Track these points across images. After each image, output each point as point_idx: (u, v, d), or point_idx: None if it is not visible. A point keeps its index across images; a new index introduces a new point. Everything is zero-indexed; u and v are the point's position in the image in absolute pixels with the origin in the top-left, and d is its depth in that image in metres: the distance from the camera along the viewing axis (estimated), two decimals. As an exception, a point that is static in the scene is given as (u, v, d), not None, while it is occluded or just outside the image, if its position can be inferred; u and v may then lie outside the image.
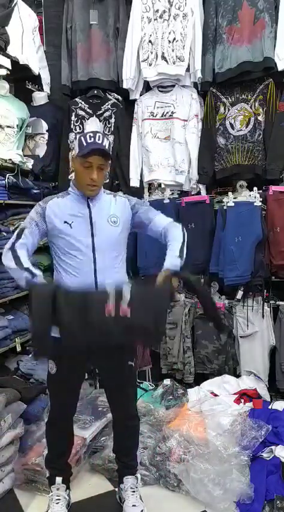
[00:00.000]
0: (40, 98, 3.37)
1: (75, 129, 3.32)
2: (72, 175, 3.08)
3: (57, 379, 1.92)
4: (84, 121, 3.30)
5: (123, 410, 2.04)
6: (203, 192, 3.13)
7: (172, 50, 3.00)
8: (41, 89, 3.39)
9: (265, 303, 2.97)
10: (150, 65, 3.07)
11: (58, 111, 3.42)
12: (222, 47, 2.92)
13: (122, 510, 2.04)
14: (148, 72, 3.08)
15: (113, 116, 3.26)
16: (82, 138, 1.82)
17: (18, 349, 2.77)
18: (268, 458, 2.20)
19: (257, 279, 2.94)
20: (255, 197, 2.91)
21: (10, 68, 2.78)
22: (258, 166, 2.97)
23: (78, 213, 1.87)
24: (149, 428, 2.53)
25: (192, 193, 3.18)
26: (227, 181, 3.11)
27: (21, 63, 2.91)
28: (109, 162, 1.97)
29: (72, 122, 3.32)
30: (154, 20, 3.04)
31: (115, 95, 3.28)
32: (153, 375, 3.26)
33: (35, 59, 3.14)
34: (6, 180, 2.71)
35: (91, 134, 1.81)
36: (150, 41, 3.06)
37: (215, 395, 2.79)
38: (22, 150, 3.08)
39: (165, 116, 3.14)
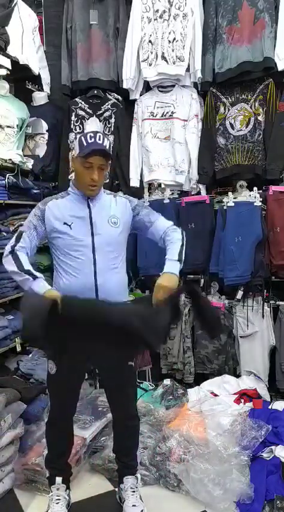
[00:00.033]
0: (40, 98, 3.37)
1: (75, 129, 3.32)
2: (72, 175, 3.08)
3: (57, 379, 1.92)
4: (84, 121, 3.30)
5: (123, 410, 2.04)
6: (203, 192, 3.13)
7: (172, 50, 3.00)
8: (41, 89, 3.39)
9: (265, 303, 2.97)
10: (150, 65, 3.07)
11: (58, 111, 3.42)
12: (222, 47, 2.92)
13: (122, 510, 2.04)
14: (148, 72, 3.08)
15: (113, 116, 3.26)
16: (82, 138, 1.82)
17: (18, 349, 2.77)
18: (268, 458, 2.20)
19: (257, 279, 2.94)
20: (255, 197, 2.91)
21: (10, 68, 2.78)
22: (258, 166, 2.97)
23: (78, 213, 1.87)
24: (149, 428, 2.53)
25: (192, 193, 3.18)
26: (227, 181, 3.11)
27: (21, 63, 2.91)
28: (110, 162, 1.98)
29: (72, 122, 3.33)
30: (154, 20, 3.04)
31: (115, 95, 3.28)
32: (153, 375, 3.26)
33: (35, 59, 3.14)
34: (6, 180, 2.71)
35: (92, 134, 1.81)
36: (150, 41, 3.06)
37: (215, 395, 2.79)
38: (22, 150, 3.09)
39: (165, 116, 3.15)
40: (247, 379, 2.92)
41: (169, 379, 3.05)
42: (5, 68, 2.77)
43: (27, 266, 1.76)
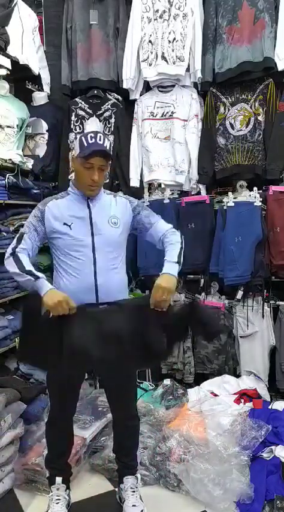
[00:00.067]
0: (40, 98, 3.37)
1: (75, 129, 3.32)
2: (72, 175, 3.08)
3: (57, 379, 1.92)
4: (84, 121, 3.30)
5: (123, 410, 2.04)
6: (203, 192, 3.13)
7: (172, 50, 3.00)
8: (41, 89, 3.39)
9: (265, 303, 2.97)
10: (150, 65, 3.07)
11: (58, 111, 3.42)
12: (222, 47, 2.92)
13: (122, 510, 2.04)
14: (148, 72, 3.08)
15: (113, 116, 3.26)
16: (83, 138, 1.81)
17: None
18: (268, 458, 2.20)
19: (257, 279, 2.94)
20: (255, 197, 2.91)
21: (10, 68, 2.78)
22: (258, 166, 2.97)
23: (78, 213, 1.87)
24: (149, 428, 2.53)
25: (192, 193, 3.18)
26: (227, 181, 3.11)
27: (21, 63, 2.91)
28: (110, 162, 1.98)
29: (72, 122, 3.33)
30: (154, 20, 3.04)
31: (115, 95, 3.28)
32: (153, 375, 3.26)
33: (35, 59, 3.14)
34: (6, 180, 2.71)
35: (92, 135, 1.81)
36: (150, 41, 3.06)
37: (215, 395, 2.79)
38: (22, 150, 3.09)
39: (165, 115, 3.15)
40: (247, 379, 2.92)
41: (169, 379, 3.05)
42: (5, 68, 2.77)
43: (29, 267, 1.76)
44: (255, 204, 2.90)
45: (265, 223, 2.91)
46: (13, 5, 2.84)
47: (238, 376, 3.01)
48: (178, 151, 3.11)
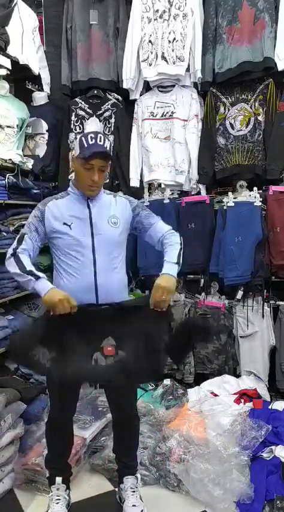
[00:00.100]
0: (40, 98, 3.37)
1: (75, 129, 3.32)
2: (72, 175, 3.08)
3: (56, 380, 1.91)
4: (84, 121, 3.30)
5: (123, 410, 2.04)
6: (203, 192, 3.13)
7: (172, 50, 3.00)
8: (41, 89, 3.39)
9: (265, 303, 2.97)
10: (150, 65, 3.07)
11: (58, 111, 3.42)
12: (222, 47, 2.92)
13: (122, 510, 2.04)
14: (148, 72, 3.08)
15: (113, 116, 3.26)
16: (83, 138, 1.81)
17: (18, 349, 2.77)
18: (268, 458, 2.20)
19: (257, 279, 2.94)
20: (255, 197, 2.91)
21: (10, 68, 2.78)
22: (258, 166, 2.97)
23: (78, 213, 1.87)
24: (149, 428, 2.53)
25: (192, 193, 3.18)
26: (227, 181, 3.11)
27: (21, 63, 2.91)
28: (110, 163, 1.98)
29: (72, 122, 3.33)
30: (154, 20, 3.04)
31: (115, 95, 3.28)
32: (153, 375, 3.25)
33: (35, 59, 3.14)
34: (6, 180, 2.71)
35: (93, 135, 1.81)
36: (150, 41, 3.06)
37: (215, 395, 2.79)
38: (22, 150, 3.08)
39: (165, 116, 3.15)
40: (247, 379, 2.92)
41: (169, 379, 3.05)
42: (5, 68, 2.77)
43: (29, 267, 1.76)
44: (255, 204, 2.90)
45: (265, 223, 2.92)
46: (13, 5, 2.83)
47: (238, 376, 3.01)
48: (178, 151, 3.11)
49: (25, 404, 2.35)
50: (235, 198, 2.98)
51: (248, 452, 2.21)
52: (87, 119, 3.29)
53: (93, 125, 3.25)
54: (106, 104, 3.26)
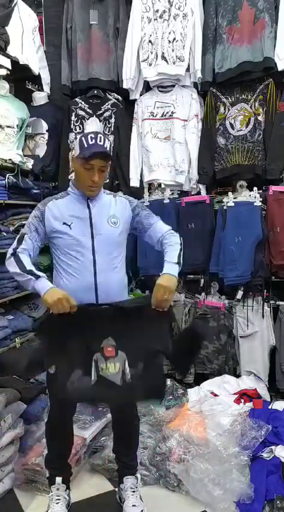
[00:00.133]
0: (40, 98, 3.37)
1: (75, 129, 3.32)
2: (72, 175, 3.08)
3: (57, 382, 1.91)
4: (84, 121, 3.30)
5: (123, 410, 2.04)
6: (203, 192, 3.13)
7: (172, 50, 3.00)
8: (41, 89, 3.39)
9: (265, 303, 2.97)
10: (150, 65, 3.07)
11: (58, 111, 3.42)
12: (222, 47, 2.92)
13: (122, 510, 2.04)
14: (148, 72, 3.08)
15: (113, 116, 3.26)
16: (83, 139, 1.81)
17: (18, 349, 2.77)
18: (268, 458, 2.20)
19: (257, 279, 2.94)
20: (255, 197, 2.91)
21: (10, 68, 2.78)
22: (258, 166, 2.97)
23: (77, 213, 1.87)
24: (149, 428, 2.53)
25: (192, 193, 3.18)
26: (227, 181, 3.11)
27: (21, 63, 2.91)
28: (110, 163, 1.98)
29: (72, 122, 3.33)
30: (154, 20, 3.04)
31: (115, 95, 3.28)
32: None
33: (35, 59, 3.14)
34: (6, 180, 2.71)
35: (93, 135, 1.81)
36: (150, 41, 3.06)
37: (215, 395, 2.79)
38: (22, 150, 3.08)
39: (165, 116, 3.14)
40: (247, 379, 2.92)
41: (169, 379, 3.05)
42: (5, 68, 2.77)
43: (29, 266, 1.76)
44: (255, 204, 2.90)
45: (265, 223, 2.91)
46: (13, 5, 2.83)
47: (238, 376, 3.01)
48: (178, 151, 3.11)
49: (25, 404, 2.34)
50: (235, 198, 2.98)
51: (248, 452, 2.21)
52: (87, 119, 3.29)
53: (93, 125, 3.25)
54: (106, 104, 3.26)
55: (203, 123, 3.09)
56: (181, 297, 3.16)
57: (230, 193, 2.99)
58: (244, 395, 2.70)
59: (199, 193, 3.15)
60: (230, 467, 2.13)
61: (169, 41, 3.01)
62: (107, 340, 1.77)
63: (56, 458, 2.04)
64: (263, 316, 2.96)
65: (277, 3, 2.82)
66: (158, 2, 3.02)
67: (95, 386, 1.76)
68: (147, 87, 3.24)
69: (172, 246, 1.87)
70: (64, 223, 1.85)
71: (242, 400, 2.66)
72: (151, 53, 3.06)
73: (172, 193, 3.20)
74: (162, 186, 3.19)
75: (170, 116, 3.12)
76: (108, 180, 3.17)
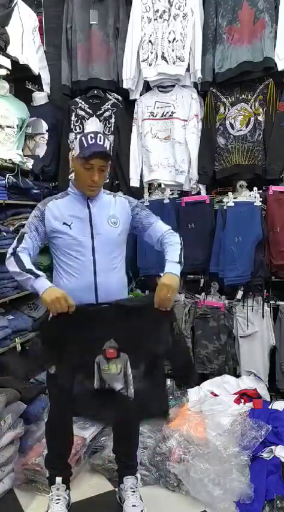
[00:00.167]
0: (40, 98, 3.37)
1: (75, 129, 3.32)
2: (72, 175, 3.08)
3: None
4: (84, 121, 3.29)
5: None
6: (203, 192, 3.13)
7: (172, 50, 3.00)
8: (41, 89, 3.39)
9: (265, 303, 2.97)
10: (150, 65, 3.07)
11: (58, 111, 3.42)
12: (222, 47, 2.92)
13: (122, 510, 2.04)
14: (148, 72, 3.08)
15: (113, 116, 3.26)
16: (83, 138, 1.81)
17: (18, 349, 2.77)
18: (268, 458, 2.20)
19: (257, 279, 2.94)
20: (255, 197, 2.91)
21: (10, 68, 2.78)
22: (258, 166, 2.97)
23: (77, 213, 1.87)
24: (149, 428, 2.53)
25: (192, 193, 3.18)
26: (227, 181, 3.11)
27: (21, 63, 2.91)
28: (110, 162, 1.98)
29: (72, 122, 3.32)
30: (154, 20, 3.04)
31: (115, 95, 3.28)
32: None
33: (35, 59, 3.14)
34: (6, 180, 2.71)
35: (92, 135, 1.81)
36: (150, 41, 3.06)
37: (216, 395, 2.79)
38: (22, 150, 3.08)
39: (165, 116, 3.14)
40: (247, 379, 2.92)
41: (169, 379, 3.04)
42: (5, 68, 2.77)
43: (29, 265, 1.76)
44: (255, 204, 2.90)
45: (265, 223, 2.91)
46: (13, 5, 2.83)
47: (238, 376, 3.01)
48: (178, 151, 3.11)
49: (25, 404, 2.35)
50: (235, 198, 2.97)
51: (248, 452, 2.21)
52: (87, 119, 3.29)
53: (93, 125, 3.25)
54: (106, 104, 3.26)
55: (203, 123, 3.09)
56: (181, 297, 3.16)
57: (230, 193, 2.99)
58: (244, 395, 2.70)
59: (199, 193, 3.15)
60: (230, 467, 2.13)
61: (169, 41, 3.01)
62: (109, 343, 1.77)
63: (56, 458, 2.04)
64: (263, 316, 2.96)
65: (277, 3, 2.82)
66: (158, 2, 3.02)
67: (96, 402, 1.77)
68: (147, 87, 3.24)
69: (173, 245, 1.87)
70: (64, 223, 1.85)
71: (242, 400, 2.66)
72: (151, 53, 3.06)
73: (172, 193, 3.19)
74: (162, 186, 3.19)
75: (170, 116, 3.12)
76: (108, 180, 3.17)
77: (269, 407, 2.61)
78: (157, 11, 3.03)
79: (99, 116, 3.28)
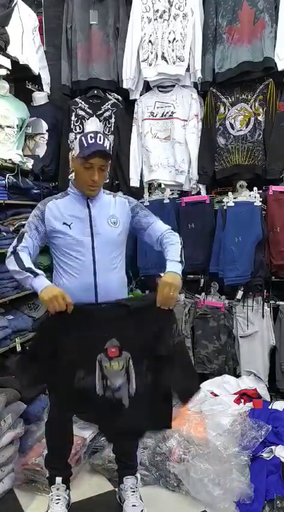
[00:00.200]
0: (40, 98, 3.37)
1: (75, 129, 3.32)
2: (72, 175, 3.08)
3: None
4: (84, 121, 3.30)
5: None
6: (203, 192, 3.13)
7: (172, 50, 3.00)
8: (41, 89, 3.39)
9: (265, 303, 2.97)
10: (150, 65, 3.07)
11: (58, 111, 3.42)
12: (222, 47, 2.92)
13: (122, 510, 2.04)
14: (148, 72, 3.08)
15: (113, 116, 3.26)
16: (83, 138, 1.82)
17: (18, 349, 2.77)
18: (268, 458, 2.20)
19: (257, 279, 2.94)
20: (255, 197, 2.91)
21: (10, 68, 2.78)
22: (258, 166, 2.97)
23: (77, 213, 1.87)
24: (149, 428, 2.53)
25: (192, 193, 3.18)
26: (227, 181, 3.11)
27: (21, 63, 2.91)
28: (110, 162, 1.98)
29: (72, 122, 3.32)
30: (154, 20, 3.04)
31: (115, 95, 3.28)
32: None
33: (35, 59, 3.14)
34: (6, 180, 2.71)
35: (92, 135, 1.81)
36: (150, 41, 3.06)
37: (216, 395, 2.79)
38: (22, 150, 3.08)
39: (165, 116, 3.14)
40: (247, 379, 2.92)
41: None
42: (5, 68, 2.77)
43: (28, 264, 1.76)
44: (255, 204, 2.90)
45: (265, 223, 2.91)
46: (13, 5, 2.83)
47: (238, 376, 3.01)
48: (178, 151, 3.11)
49: (25, 404, 2.35)
50: (235, 198, 2.98)
51: (248, 452, 2.21)
52: (87, 119, 3.29)
53: (93, 125, 3.25)
54: (106, 104, 3.26)
55: (203, 123, 3.09)
56: (181, 297, 3.16)
57: (230, 193, 2.99)
58: (244, 395, 2.70)
59: (199, 193, 3.15)
60: (230, 467, 2.13)
61: (169, 41, 3.01)
62: (111, 341, 1.77)
63: (56, 458, 2.04)
64: (263, 316, 2.96)
65: (277, 3, 2.82)
66: (158, 2, 3.02)
67: (98, 411, 1.78)
68: (147, 87, 3.24)
69: (174, 244, 1.87)
70: (64, 223, 1.85)
71: (242, 400, 2.66)
72: (151, 53, 3.06)
73: (172, 193, 3.19)
74: (162, 186, 3.19)
75: (170, 116, 3.12)
76: (108, 180, 3.17)
77: (269, 407, 2.61)
78: (157, 11, 3.03)
79: (99, 116, 3.28)
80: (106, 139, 1.85)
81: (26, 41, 2.98)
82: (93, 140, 1.79)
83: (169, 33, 3.01)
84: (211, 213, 3.09)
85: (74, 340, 1.75)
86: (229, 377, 2.93)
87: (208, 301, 3.12)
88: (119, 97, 3.28)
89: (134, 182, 3.23)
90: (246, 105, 2.98)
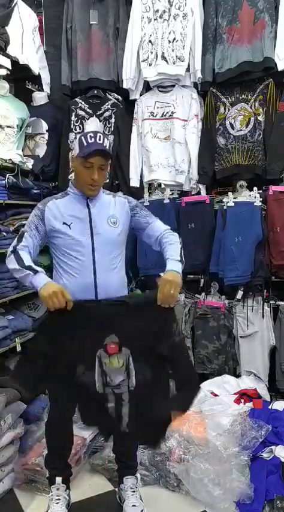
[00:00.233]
0: (40, 98, 3.37)
1: (75, 129, 3.32)
2: (72, 175, 3.08)
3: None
4: (84, 121, 3.29)
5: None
6: (203, 192, 3.13)
7: (172, 50, 3.00)
8: (41, 89, 3.39)
9: (265, 303, 2.97)
10: (150, 65, 3.07)
11: (58, 111, 3.42)
12: (222, 47, 2.92)
13: (122, 510, 2.04)
14: (148, 72, 3.08)
15: (113, 116, 3.26)
16: (82, 138, 1.82)
17: (18, 349, 2.77)
18: (268, 458, 2.20)
19: (257, 279, 2.94)
20: (255, 197, 2.91)
21: (10, 68, 2.78)
22: (258, 166, 2.97)
23: (77, 213, 1.87)
24: (149, 428, 2.53)
25: (192, 193, 3.18)
26: (227, 181, 3.11)
27: (21, 63, 2.91)
28: (110, 162, 1.98)
29: (72, 122, 3.32)
30: (154, 20, 3.04)
31: (115, 95, 3.28)
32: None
33: (35, 59, 3.14)
34: (6, 180, 2.71)
35: (92, 134, 1.82)
36: (150, 41, 3.06)
37: (216, 395, 2.79)
38: (22, 150, 3.08)
39: (165, 116, 3.14)
40: (247, 379, 2.92)
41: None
42: (5, 68, 2.77)
43: (28, 262, 1.76)
44: (255, 204, 2.90)
45: (265, 223, 2.91)
46: (13, 5, 2.83)
47: (238, 376, 3.01)
48: (178, 151, 3.10)
49: (25, 404, 2.35)
50: (235, 198, 2.98)
51: (248, 452, 2.21)
52: (87, 119, 3.29)
53: (93, 124, 3.25)
54: (106, 104, 3.26)
55: (203, 123, 3.09)
56: (181, 297, 3.16)
57: (230, 193, 2.99)
58: (244, 395, 2.70)
59: (199, 193, 3.15)
60: (230, 467, 2.13)
61: (169, 41, 3.01)
62: (110, 338, 1.76)
63: (56, 458, 2.04)
64: (263, 316, 2.96)
65: (277, 3, 2.82)
66: (158, 2, 3.02)
67: (98, 409, 1.78)
68: (147, 87, 3.24)
69: (173, 244, 1.87)
70: (64, 223, 1.85)
71: (242, 400, 2.66)
72: (151, 53, 3.06)
73: (172, 193, 3.19)
74: (162, 186, 3.19)
75: (170, 116, 3.12)
76: (108, 180, 3.17)
77: (269, 407, 2.61)
78: (157, 11, 3.03)
79: (99, 116, 3.28)
80: (106, 139, 1.85)
81: (26, 41, 2.98)
82: (93, 139, 1.80)
83: (169, 33, 3.01)
84: (211, 213, 3.09)
85: (74, 336, 1.75)
86: (229, 377, 2.93)
87: (208, 301, 3.12)
88: (119, 97, 3.28)
89: (134, 182, 3.23)
90: (246, 105, 2.98)
